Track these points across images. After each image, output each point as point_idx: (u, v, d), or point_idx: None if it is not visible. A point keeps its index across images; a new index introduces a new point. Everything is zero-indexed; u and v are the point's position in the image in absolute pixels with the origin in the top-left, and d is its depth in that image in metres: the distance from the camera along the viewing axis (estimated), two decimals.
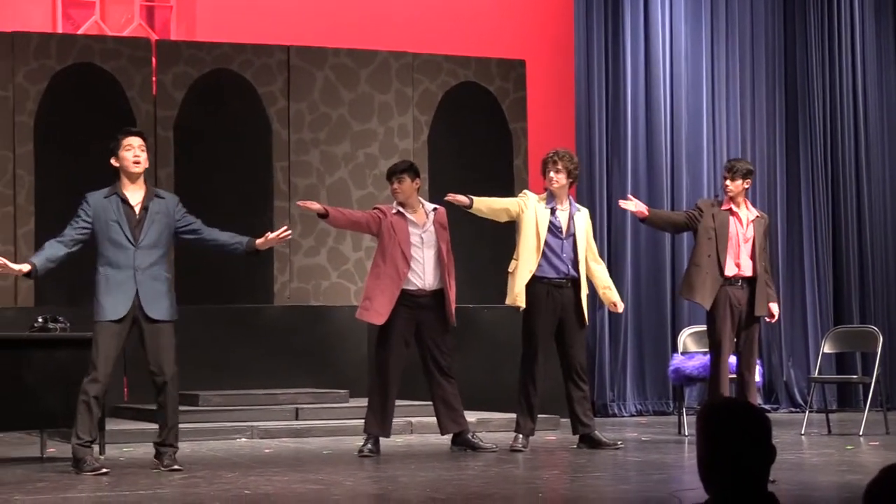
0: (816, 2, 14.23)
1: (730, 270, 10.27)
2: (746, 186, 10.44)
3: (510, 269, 9.96)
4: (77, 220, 8.58)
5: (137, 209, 8.62)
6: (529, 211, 9.91)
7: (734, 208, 10.35)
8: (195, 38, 13.09)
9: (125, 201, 8.62)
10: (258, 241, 8.83)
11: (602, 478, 8.43)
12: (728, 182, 10.36)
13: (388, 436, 9.79)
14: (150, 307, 8.54)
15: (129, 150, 8.66)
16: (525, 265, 9.87)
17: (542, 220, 9.89)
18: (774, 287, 10.79)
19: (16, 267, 8.55)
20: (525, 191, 10.34)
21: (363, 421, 9.79)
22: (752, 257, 10.31)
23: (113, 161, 8.69)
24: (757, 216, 10.47)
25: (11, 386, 9.13)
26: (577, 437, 10.09)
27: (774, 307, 10.50)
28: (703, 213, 10.34)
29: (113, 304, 8.50)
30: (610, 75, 13.69)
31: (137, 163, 8.66)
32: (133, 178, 8.67)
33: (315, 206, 9.71)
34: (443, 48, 13.56)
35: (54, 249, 8.56)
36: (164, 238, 8.69)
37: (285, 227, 8.91)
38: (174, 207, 8.78)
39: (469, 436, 9.91)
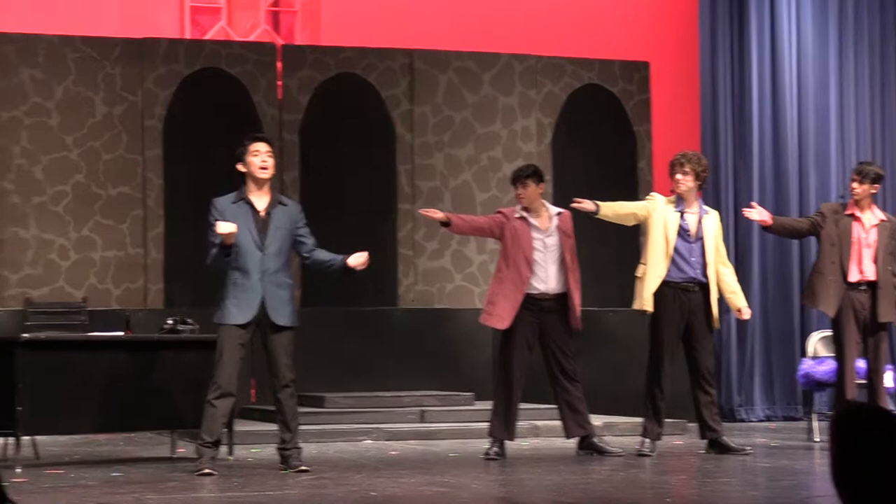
0: None
1: (853, 276, 10.15)
2: (874, 191, 10.31)
3: (638, 274, 9.90)
4: (212, 230, 8.58)
5: (263, 214, 8.69)
6: (657, 214, 9.84)
7: (857, 213, 10.22)
8: (320, 42, 13.20)
9: (252, 206, 8.70)
10: (349, 260, 8.81)
11: (730, 483, 8.36)
12: (856, 185, 10.24)
13: (512, 439, 9.80)
14: (274, 313, 8.61)
15: (256, 155, 8.71)
16: (654, 270, 9.80)
17: (670, 224, 9.82)
18: None
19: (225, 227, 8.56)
20: (653, 193, 10.24)
21: (488, 424, 9.80)
22: (876, 261, 10.18)
23: (240, 166, 8.74)
24: (882, 220, 10.32)
25: (142, 387, 9.26)
26: (705, 441, 10.03)
27: None
28: (826, 219, 10.23)
29: (239, 309, 8.57)
30: (735, 76, 13.58)
31: (265, 168, 8.71)
32: (260, 183, 8.73)
33: (437, 214, 9.73)
34: (566, 51, 13.53)
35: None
36: (287, 244, 8.74)
37: (366, 254, 8.86)
38: (297, 215, 8.83)
39: (595, 439, 9.89)
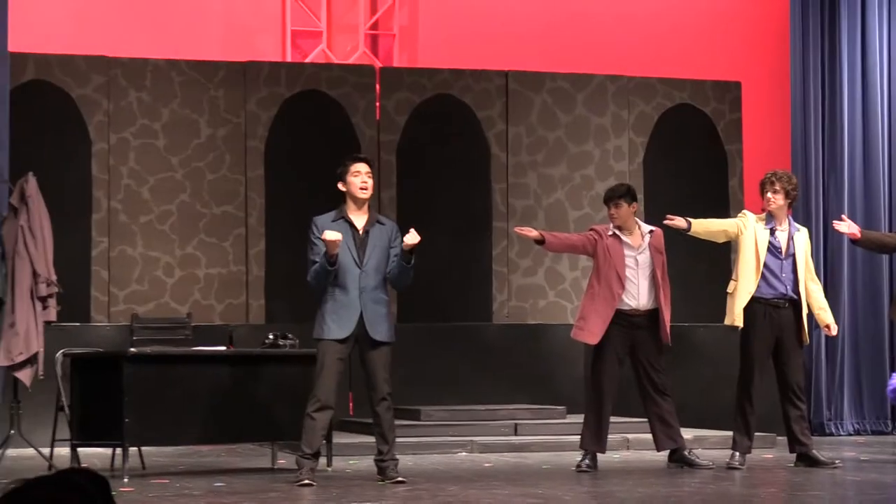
0: None
1: None
2: None
3: (729, 290, 9.86)
4: (314, 248, 8.64)
5: (361, 232, 8.73)
6: (748, 231, 9.80)
7: None
8: (417, 64, 13.25)
9: (351, 225, 8.73)
10: (405, 240, 8.68)
11: (820, 497, 8.28)
12: None
13: (604, 451, 9.76)
14: (372, 329, 8.63)
15: (356, 175, 8.75)
16: (745, 286, 9.75)
17: (761, 241, 9.77)
18: None
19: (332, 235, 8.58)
20: (744, 211, 10.20)
21: (580, 437, 9.78)
22: None
23: (340, 185, 8.78)
24: None
25: (244, 399, 9.33)
26: (795, 455, 9.94)
27: None
28: None
29: (338, 325, 8.61)
30: (826, 96, 13.45)
31: (364, 189, 8.75)
32: (359, 203, 8.77)
33: (532, 232, 9.73)
34: (658, 71, 13.49)
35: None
36: (384, 262, 8.76)
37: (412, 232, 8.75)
38: (393, 234, 8.85)
39: (685, 452, 9.83)
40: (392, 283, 8.98)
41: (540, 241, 9.71)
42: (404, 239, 8.64)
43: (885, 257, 13.01)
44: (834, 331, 10.15)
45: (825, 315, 10.01)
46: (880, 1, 13.50)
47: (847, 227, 10.19)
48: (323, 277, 8.57)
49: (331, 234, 8.44)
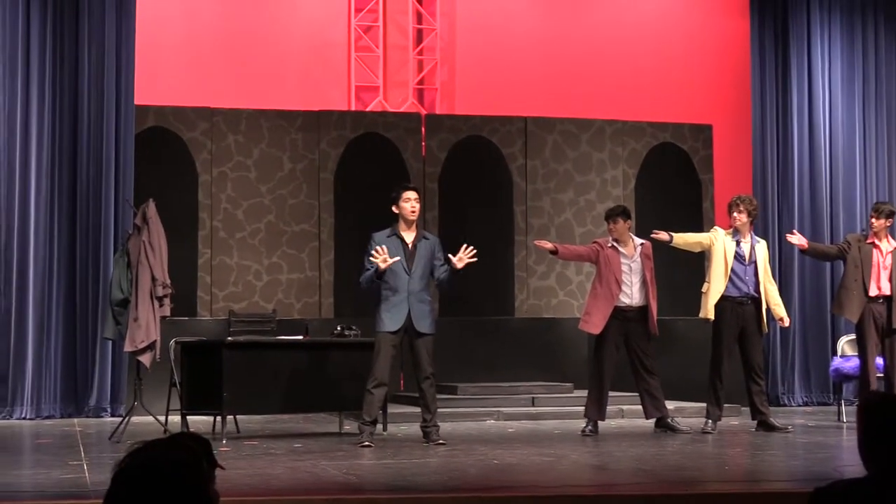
0: None
1: (872, 291, 10.03)
2: (888, 224, 10.16)
3: (703, 290, 9.83)
4: (369, 257, 8.63)
5: (411, 246, 8.73)
6: (719, 243, 9.78)
7: (877, 242, 10.10)
8: (454, 111, 13.24)
9: (402, 240, 8.73)
10: (454, 262, 8.71)
11: (776, 455, 8.22)
12: (874, 220, 10.13)
13: (603, 419, 9.73)
14: (418, 323, 8.63)
15: (407, 201, 8.76)
16: (716, 287, 9.73)
17: (729, 251, 9.75)
18: None
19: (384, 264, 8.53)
20: (715, 227, 10.19)
21: (584, 407, 9.73)
22: (890, 280, 10.06)
23: (394, 208, 8.80)
24: (895, 248, 10.18)
25: (318, 377, 9.34)
26: (755, 422, 9.88)
27: None
28: (851, 246, 10.13)
29: (391, 319, 8.61)
30: (780, 135, 13.39)
31: (413, 212, 8.76)
32: (409, 223, 8.77)
33: (547, 245, 9.72)
34: (646, 116, 13.45)
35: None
36: (428, 270, 8.76)
37: (469, 248, 8.74)
38: (436, 247, 8.85)
39: (669, 420, 9.78)
40: (440, 287, 9.01)
41: (554, 252, 9.70)
42: (455, 262, 8.60)
43: (828, 264, 12.93)
44: (787, 322, 10.15)
45: (780, 310, 9.98)
46: (823, 57, 13.44)
47: (798, 239, 10.15)
48: (371, 284, 8.60)
49: (391, 260, 8.43)
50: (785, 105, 13.38)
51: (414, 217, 8.75)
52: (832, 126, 13.46)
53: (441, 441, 8.63)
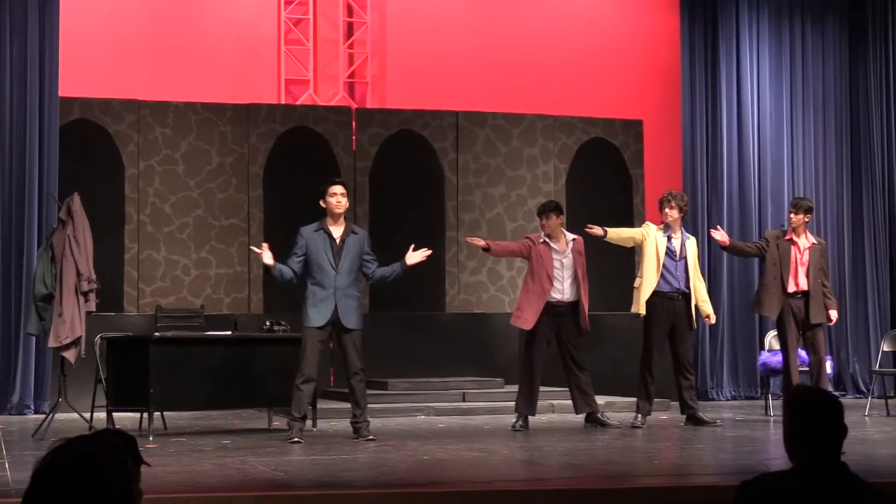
0: (876, 70, 13.90)
1: (791, 287, 10.21)
2: (807, 220, 10.31)
3: (636, 285, 9.89)
4: (297, 251, 8.67)
5: (338, 241, 8.71)
6: (651, 238, 9.86)
7: (795, 238, 10.26)
8: (385, 105, 13.22)
9: (329, 235, 8.72)
10: (407, 259, 8.81)
11: (704, 449, 8.31)
12: (792, 215, 10.31)
13: (534, 414, 9.77)
14: (345, 319, 8.63)
15: (333, 196, 8.76)
16: (648, 282, 9.80)
17: (660, 246, 9.83)
18: (834, 297, 10.61)
19: (266, 257, 8.60)
20: (647, 222, 10.28)
21: (515, 403, 9.77)
22: (808, 276, 10.20)
23: (321, 202, 8.80)
24: (813, 243, 10.34)
25: (247, 373, 9.29)
26: (685, 416, 9.97)
27: (833, 313, 10.39)
28: (770, 244, 10.29)
29: (317, 315, 8.60)
30: (709, 131, 13.52)
31: (339, 206, 8.76)
32: (336, 217, 8.77)
33: (480, 242, 9.74)
34: (577, 111, 13.51)
35: (287, 269, 8.67)
36: (356, 265, 8.77)
37: (426, 249, 8.90)
38: (364, 242, 8.85)
39: (599, 415, 9.85)
40: (377, 282, 9.03)
41: (486, 249, 9.72)
42: (407, 259, 8.72)
43: (756, 261, 13.08)
44: (713, 319, 10.26)
45: (706, 307, 10.08)
46: (751, 54, 13.60)
47: (720, 235, 10.29)
48: (281, 278, 8.66)
49: (266, 255, 8.55)
50: (714, 101, 13.51)
51: (340, 211, 8.74)
52: (761, 122, 13.62)
53: (371, 437, 8.63)
